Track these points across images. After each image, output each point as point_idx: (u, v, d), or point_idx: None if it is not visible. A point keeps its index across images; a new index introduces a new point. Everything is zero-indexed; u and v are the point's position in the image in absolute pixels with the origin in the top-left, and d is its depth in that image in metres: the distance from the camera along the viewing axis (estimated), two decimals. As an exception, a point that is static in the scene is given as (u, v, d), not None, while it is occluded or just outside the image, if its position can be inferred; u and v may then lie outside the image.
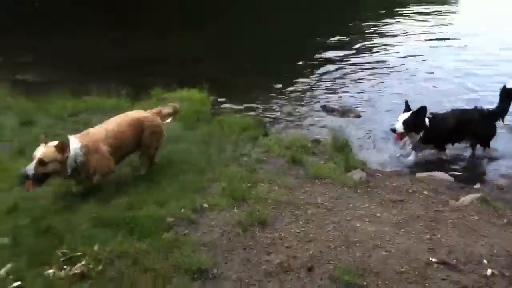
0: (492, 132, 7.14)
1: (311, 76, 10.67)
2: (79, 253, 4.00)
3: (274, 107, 8.82)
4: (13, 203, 4.70)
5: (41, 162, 4.53)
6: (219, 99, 8.35)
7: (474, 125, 6.96)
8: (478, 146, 7.22)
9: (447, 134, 6.99)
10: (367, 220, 4.72)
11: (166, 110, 5.75)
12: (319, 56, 12.13)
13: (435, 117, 6.95)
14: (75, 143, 4.76)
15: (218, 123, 6.85)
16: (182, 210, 4.66)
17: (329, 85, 10.24)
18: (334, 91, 9.82)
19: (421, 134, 6.81)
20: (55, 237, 4.20)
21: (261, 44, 12.64)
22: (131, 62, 10.74)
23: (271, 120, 8.20)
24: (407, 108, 6.85)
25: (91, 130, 5.09)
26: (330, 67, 11.30)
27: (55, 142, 4.68)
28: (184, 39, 12.79)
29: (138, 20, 15.62)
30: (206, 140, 6.19)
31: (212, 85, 8.24)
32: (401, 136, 6.81)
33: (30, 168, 4.48)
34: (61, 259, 3.94)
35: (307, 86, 10.18)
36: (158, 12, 16.80)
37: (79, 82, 8.53)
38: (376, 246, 4.28)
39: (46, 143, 4.66)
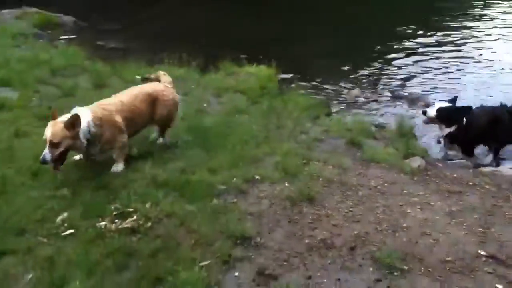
0: None
1: (383, 63, 10.44)
2: (131, 209, 4.19)
3: (341, 90, 8.73)
4: (77, 158, 4.96)
5: (53, 144, 4.38)
6: (287, 78, 8.36)
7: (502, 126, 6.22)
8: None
9: (478, 134, 6.29)
10: (419, 207, 4.63)
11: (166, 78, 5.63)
12: (394, 44, 11.80)
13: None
14: (87, 115, 4.60)
15: (282, 100, 6.88)
16: (234, 179, 4.76)
17: (400, 72, 9.98)
18: (405, 79, 9.56)
19: (451, 129, 6.24)
20: (110, 193, 4.42)
21: (337, 30, 12.46)
22: (206, 35, 10.91)
23: (337, 102, 8.14)
24: (452, 102, 6.30)
25: (105, 100, 4.98)
26: (404, 56, 10.98)
27: (65, 118, 4.51)
28: (262, 20, 12.79)
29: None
30: (267, 115, 6.23)
31: (283, 64, 8.26)
32: (429, 121, 6.29)
33: (46, 154, 4.35)
34: (114, 213, 4.15)
35: (378, 72, 9.97)
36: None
37: (154, 51, 8.76)
38: (424, 234, 4.21)
39: (54, 118, 4.51)
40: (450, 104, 6.23)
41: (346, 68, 9.72)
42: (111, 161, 4.92)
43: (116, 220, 4.08)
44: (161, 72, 5.74)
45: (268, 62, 8.15)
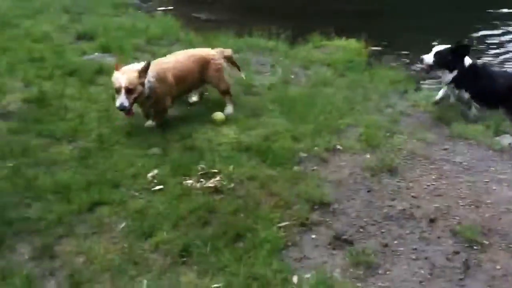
0: None
1: (481, 42, 9.97)
2: (215, 170, 4.43)
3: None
4: (167, 120, 5.25)
5: (128, 91, 4.70)
6: (376, 52, 8.22)
7: None
8: None
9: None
10: (506, 184, 4.52)
11: (227, 52, 5.77)
12: (497, 24, 11.17)
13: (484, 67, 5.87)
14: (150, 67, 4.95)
15: (369, 73, 6.83)
16: (316, 148, 4.85)
17: (499, 52, 9.49)
18: (504, 60, 9.10)
19: (454, 73, 5.66)
20: (197, 154, 4.68)
21: (430, 5, 11.98)
22: (296, 7, 10.92)
23: (427, 77, 7.92)
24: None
25: (161, 59, 5.35)
26: (502, 34, 10.40)
27: (135, 66, 4.92)
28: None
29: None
30: (353, 88, 6.24)
31: (373, 37, 8.14)
32: (429, 69, 5.78)
33: (124, 100, 4.67)
34: (199, 173, 4.40)
35: (474, 52, 9.53)
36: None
37: (245, 23, 8.89)
38: (509, 211, 4.13)
39: (117, 68, 4.86)
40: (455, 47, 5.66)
41: (439, 43, 9.38)
42: (198, 126, 5.18)
43: (201, 180, 4.32)
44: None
45: (357, 36, 8.08)
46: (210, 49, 5.71)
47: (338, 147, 4.94)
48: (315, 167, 4.61)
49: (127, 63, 5.01)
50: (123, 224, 3.84)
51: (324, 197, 4.15)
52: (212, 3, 11.24)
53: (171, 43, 7.46)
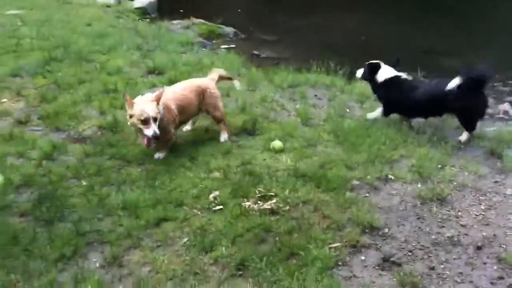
0: None
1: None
2: (272, 194, 4.75)
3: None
4: (228, 148, 5.62)
5: (155, 119, 5.05)
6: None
7: None
8: None
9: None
10: (554, 218, 4.58)
11: (221, 72, 6.23)
12: None
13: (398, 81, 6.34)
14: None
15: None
16: (368, 176, 5.08)
17: None
18: None
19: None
20: (255, 178, 5.01)
21: (493, 41, 11.96)
22: (355, 45, 11.18)
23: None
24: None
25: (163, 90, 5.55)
26: None
27: (147, 96, 5.23)
28: (427, 28, 12.67)
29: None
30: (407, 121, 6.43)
31: (430, 74, 8.28)
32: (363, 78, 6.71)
33: (155, 129, 5.01)
34: (257, 196, 4.72)
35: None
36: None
37: (305, 59, 9.23)
38: (555, 242, 4.20)
39: (129, 100, 5.05)
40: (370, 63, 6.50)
41: (496, 82, 9.42)
42: (258, 153, 5.53)
43: (259, 202, 4.64)
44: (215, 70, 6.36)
45: (415, 72, 8.25)
46: (206, 78, 6.09)
47: (390, 176, 5.14)
48: (366, 194, 4.84)
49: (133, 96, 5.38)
50: (185, 239, 4.20)
51: (374, 222, 4.36)
52: (273, 42, 11.69)
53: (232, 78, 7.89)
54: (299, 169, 5.16)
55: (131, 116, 5.05)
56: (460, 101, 5.72)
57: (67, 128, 6.10)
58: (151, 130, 5.00)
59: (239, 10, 14.51)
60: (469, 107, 5.82)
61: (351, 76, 8.21)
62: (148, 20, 12.85)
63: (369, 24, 12.85)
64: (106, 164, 5.27)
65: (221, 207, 4.60)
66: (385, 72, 6.39)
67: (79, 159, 5.38)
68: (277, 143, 5.62)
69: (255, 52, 10.54)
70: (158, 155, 5.43)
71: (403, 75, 6.41)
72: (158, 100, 5.17)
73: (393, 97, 6.30)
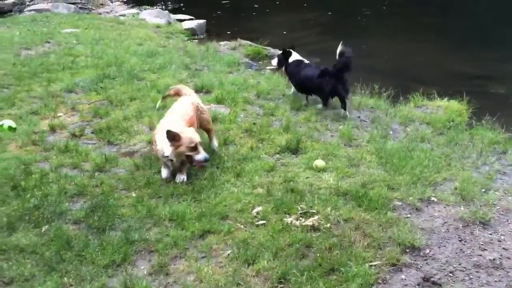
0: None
1: None
2: (314, 211, 4.85)
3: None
4: (273, 165, 5.75)
5: (201, 143, 5.33)
6: (477, 114, 8.30)
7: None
8: None
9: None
10: None
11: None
12: None
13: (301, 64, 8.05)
14: None
15: (469, 133, 6.97)
16: (410, 198, 5.13)
17: None
18: None
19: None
20: (298, 195, 5.12)
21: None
22: (404, 69, 11.20)
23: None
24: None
25: (173, 111, 5.77)
26: None
27: (176, 121, 5.45)
28: (468, 53, 12.62)
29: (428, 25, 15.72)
30: (451, 146, 6.43)
31: (476, 100, 8.26)
32: (276, 68, 8.82)
33: (204, 154, 5.26)
34: (299, 212, 4.84)
35: None
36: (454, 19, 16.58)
37: (351, 81, 9.31)
38: None
39: (173, 132, 5.15)
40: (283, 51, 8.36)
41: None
42: (301, 171, 5.65)
43: (301, 218, 4.75)
44: (179, 86, 6.62)
45: (460, 97, 8.24)
46: (188, 95, 6.22)
47: (433, 198, 5.17)
48: (408, 215, 4.88)
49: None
50: (229, 251, 4.34)
51: (415, 242, 4.41)
52: (323, 64, 11.80)
53: (277, 98, 8.06)
54: (341, 187, 5.25)
55: (178, 147, 5.20)
56: (318, 82, 7.55)
57: (119, 142, 6.35)
58: (202, 154, 5.25)
59: (284, 32, 14.72)
60: (322, 87, 7.56)
61: (395, 99, 8.28)
62: (196, 40, 13.19)
63: (413, 50, 12.83)
64: (154, 177, 5.48)
65: (263, 221, 4.72)
66: (294, 57, 8.16)
67: (129, 172, 5.61)
68: (319, 162, 5.73)
69: (300, 73, 10.65)
70: (180, 178, 5.48)
71: (305, 60, 8.16)
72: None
73: (295, 76, 7.99)
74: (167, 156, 5.30)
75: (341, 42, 7.71)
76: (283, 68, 8.34)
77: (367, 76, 9.44)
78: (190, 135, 5.28)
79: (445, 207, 5.04)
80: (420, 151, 6.10)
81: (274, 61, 8.49)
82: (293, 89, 8.21)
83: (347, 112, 7.47)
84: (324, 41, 13.93)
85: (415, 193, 5.21)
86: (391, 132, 6.93)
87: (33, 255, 4.24)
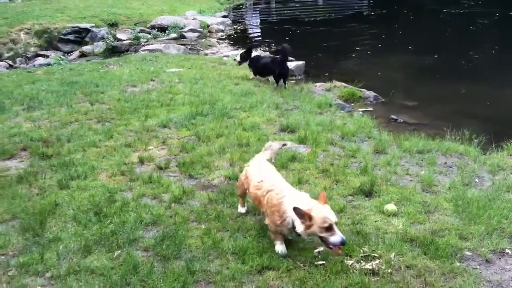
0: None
1: None
2: (376, 255, 4.77)
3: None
4: (343, 206, 5.75)
5: (336, 223, 4.46)
6: None
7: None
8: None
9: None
10: None
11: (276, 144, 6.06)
12: None
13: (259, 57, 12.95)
14: None
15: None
16: (482, 248, 4.90)
17: None
18: None
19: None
20: (362, 238, 5.07)
21: None
22: (496, 113, 10.74)
23: None
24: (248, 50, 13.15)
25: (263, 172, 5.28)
26: None
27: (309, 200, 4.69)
28: None
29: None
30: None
31: None
32: (239, 63, 13.17)
33: (341, 235, 4.39)
34: (360, 255, 4.78)
35: None
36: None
37: (441, 127, 9.09)
38: None
39: (304, 211, 4.44)
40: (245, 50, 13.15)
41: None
42: (371, 215, 5.59)
43: (361, 261, 4.70)
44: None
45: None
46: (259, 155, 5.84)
47: (507, 250, 4.90)
48: (477, 266, 4.66)
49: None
50: (286, 290, 4.39)
51: (480, 295, 4.21)
52: (413, 107, 11.61)
53: (361, 140, 8.04)
54: (408, 233, 5.14)
55: (308, 227, 4.44)
56: (271, 67, 11.99)
57: (199, 176, 6.66)
58: (338, 236, 4.39)
59: (379, 74, 14.64)
60: (274, 71, 11.87)
61: (486, 146, 7.95)
62: (294, 81, 13.49)
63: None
64: (225, 211, 5.68)
65: (323, 262, 4.72)
66: (254, 54, 13.00)
67: (202, 204, 5.86)
68: (390, 206, 5.63)
69: (393, 116, 10.53)
70: (279, 249, 4.92)
71: (261, 54, 13.24)
72: None
73: (255, 65, 12.51)
74: (299, 234, 4.61)
75: (284, 43, 11.97)
76: (247, 62, 12.81)
77: (459, 121, 9.19)
78: (324, 213, 4.44)
79: (518, 261, 4.76)
80: (502, 202, 5.81)
81: (238, 57, 13.01)
82: (251, 74, 12.72)
83: (286, 85, 11.89)
84: (420, 83, 13.76)
85: (488, 244, 4.97)
86: (476, 180, 6.65)
87: (101, 277, 4.55)
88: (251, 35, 23.19)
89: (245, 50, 13.03)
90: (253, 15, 32.17)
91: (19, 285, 4.47)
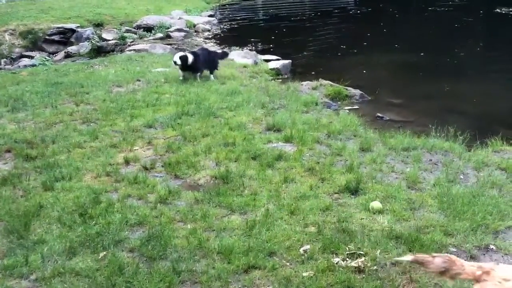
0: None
1: None
2: (362, 252, 4.80)
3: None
4: (329, 204, 5.77)
5: None
6: None
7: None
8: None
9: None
10: None
11: None
12: None
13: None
14: None
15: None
16: (467, 244, 4.95)
17: None
18: None
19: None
20: (348, 235, 5.10)
21: None
22: (480, 111, 10.85)
23: None
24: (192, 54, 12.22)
25: None
26: None
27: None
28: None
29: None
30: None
31: None
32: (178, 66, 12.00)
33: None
34: (346, 253, 4.81)
35: None
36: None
37: (426, 125, 9.12)
38: None
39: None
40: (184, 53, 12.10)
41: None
42: (357, 212, 5.62)
43: (347, 259, 4.72)
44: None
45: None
46: None
47: (492, 246, 4.95)
48: (461, 263, 4.69)
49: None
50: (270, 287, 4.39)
51: (463, 290, 4.23)
52: (399, 105, 11.67)
53: (347, 138, 8.07)
54: (394, 230, 5.16)
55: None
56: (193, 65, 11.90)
57: (185, 176, 6.65)
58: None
59: (364, 71, 14.72)
60: (197, 67, 12.04)
61: (471, 143, 8.00)
62: (280, 80, 13.48)
63: (503, 93, 12.37)
64: (211, 211, 5.66)
65: (309, 260, 4.74)
66: (190, 57, 11.86)
67: (188, 204, 5.85)
68: (376, 204, 5.67)
69: (379, 114, 10.57)
70: None
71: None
72: None
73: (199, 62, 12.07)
74: None
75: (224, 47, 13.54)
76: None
77: (445, 118, 9.25)
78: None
79: (503, 256, 4.81)
80: (486, 198, 5.85)
81: (177, 60, 11.88)
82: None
83: (212, 77, 12.34)
84: (406, 81, 13.85)
85: (472, 240, 5.02)
86: (461, 177, 6.70)
87: (86, 278, 4.53)
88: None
89: (183, 55, 12.00)
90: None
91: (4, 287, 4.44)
